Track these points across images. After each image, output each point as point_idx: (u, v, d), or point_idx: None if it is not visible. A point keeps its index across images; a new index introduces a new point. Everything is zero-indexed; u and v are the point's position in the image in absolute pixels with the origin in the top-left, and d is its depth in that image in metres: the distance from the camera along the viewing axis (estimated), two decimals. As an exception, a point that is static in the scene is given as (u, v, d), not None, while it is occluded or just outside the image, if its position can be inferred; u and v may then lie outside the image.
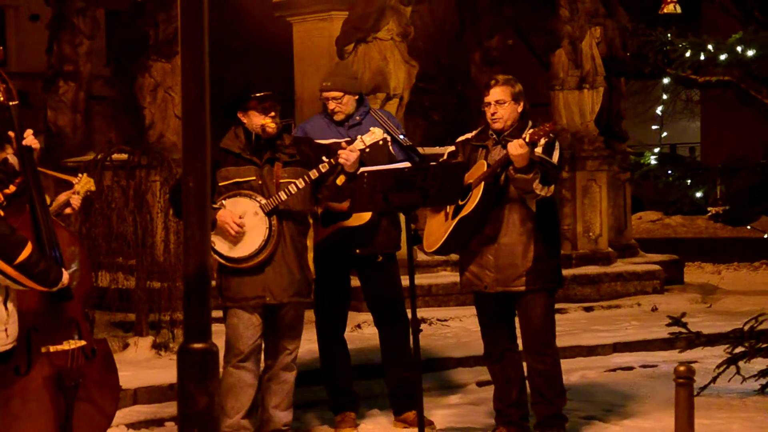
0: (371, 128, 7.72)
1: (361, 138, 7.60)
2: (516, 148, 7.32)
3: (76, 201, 6.87)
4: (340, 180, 7.53)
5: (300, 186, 7.47)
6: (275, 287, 7.52)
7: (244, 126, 7.60)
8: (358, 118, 8.34)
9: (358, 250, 8.26)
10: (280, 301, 7.56)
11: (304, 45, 13.99)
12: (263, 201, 7.46)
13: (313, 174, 7.48)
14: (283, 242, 7.52)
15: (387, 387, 8.50)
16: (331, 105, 8.31)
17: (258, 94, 7.55)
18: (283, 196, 7.44)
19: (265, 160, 7.57)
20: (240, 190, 7.51)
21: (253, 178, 7.54)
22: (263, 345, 7.72)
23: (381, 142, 7.65)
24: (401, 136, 8.35)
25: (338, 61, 12.09)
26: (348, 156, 7.48)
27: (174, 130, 12.94)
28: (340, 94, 8.30)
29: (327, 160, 7.53)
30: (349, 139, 7.86)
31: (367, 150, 7.61)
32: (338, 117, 8.31)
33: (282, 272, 7.52)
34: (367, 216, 8.05)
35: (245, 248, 7.47)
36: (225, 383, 7.55)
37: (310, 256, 7.73)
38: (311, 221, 7.81)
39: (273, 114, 7.56)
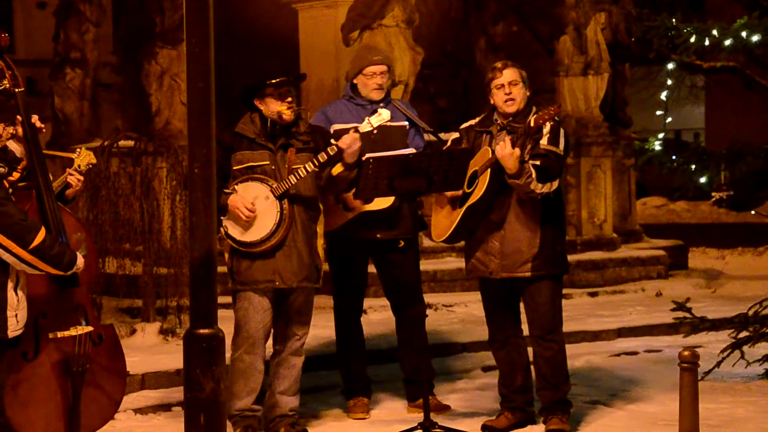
0: (378, 109, 7.74)
1: (368, 119, 7.61)
2: (501, 148, 7.32)
3: (73, 179, 6.84)
4: (335, 170, 7.54)
5: (309, 169, 7.46)
6: (285, 272, 7.55)
7: (261, 112, 7.62)
8: (382, 104, 8.31)
9: (379, 235, 8.26)
10: (289, 285, 7.58)
11: (309, 32, 13.99)
12: (274, 185, 7.47)
13: (322, 157, 7.47)
14: (294, 227, 7.54)
15: (402, 373, 8.51)
16: (378, 80, 8.28)
17: (274, 81, 7.56)
18: (293, 179, 7.45)
19: (279, 146, 7.59)
20: (252, 175, 7.54)
21: (267, 162, 7.56)
22: (272, 330, 7.75)
23: (389, 121, 7.68)
24: (421, 124, 8.45)
25: (366, 44, 12.03)
26: (350, 142, 7.48)
27: (180, 116, 12.96)
28: (386, 68, 8.36)
29: (335, 142, 7.55)
30: (356, 125, 7.81)
31: (375, 131, 7.63)
32: (379, 95, 8.27)
33: (292, 257, 7.55)
34: (389, 201, 8.03)
35: (257, 232, 7.48)
36: (235, 367, 7.59)
37: (320, 242, 7.75)
38: (321, 208, 7.84)
39: (290, 99, 7.57)
